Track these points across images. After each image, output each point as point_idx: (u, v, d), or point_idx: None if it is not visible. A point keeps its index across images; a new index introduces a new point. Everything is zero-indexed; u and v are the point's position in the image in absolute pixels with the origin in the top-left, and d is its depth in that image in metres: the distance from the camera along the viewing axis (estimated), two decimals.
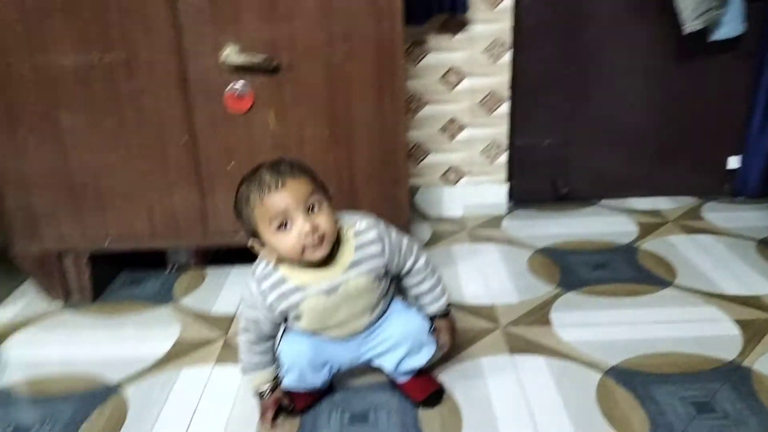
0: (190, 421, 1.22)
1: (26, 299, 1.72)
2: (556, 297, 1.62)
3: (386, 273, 1.17)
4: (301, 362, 1.17)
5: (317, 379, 1.20)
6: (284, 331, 1.21)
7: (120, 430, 1.20)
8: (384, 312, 1.21)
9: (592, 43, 2.10)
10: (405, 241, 1.20)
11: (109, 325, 1.59)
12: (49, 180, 1.56)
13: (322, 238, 1.07)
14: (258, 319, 1.15)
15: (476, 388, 1.27)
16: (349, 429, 1.18)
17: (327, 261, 1.11)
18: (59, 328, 1.58)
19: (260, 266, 1.15)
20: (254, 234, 1.11)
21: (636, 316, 1.52)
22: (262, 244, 1.11)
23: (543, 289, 1.66)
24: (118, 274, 1.84)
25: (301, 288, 1.11)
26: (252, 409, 1.24)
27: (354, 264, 1.12)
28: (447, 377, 1.30)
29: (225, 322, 1.56)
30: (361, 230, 1.15)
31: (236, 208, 1.12)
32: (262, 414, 1.21)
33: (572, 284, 1.68)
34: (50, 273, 1.67)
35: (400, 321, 1.20)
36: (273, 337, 1.19)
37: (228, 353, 1.43)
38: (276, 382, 1.21)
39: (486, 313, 1.56)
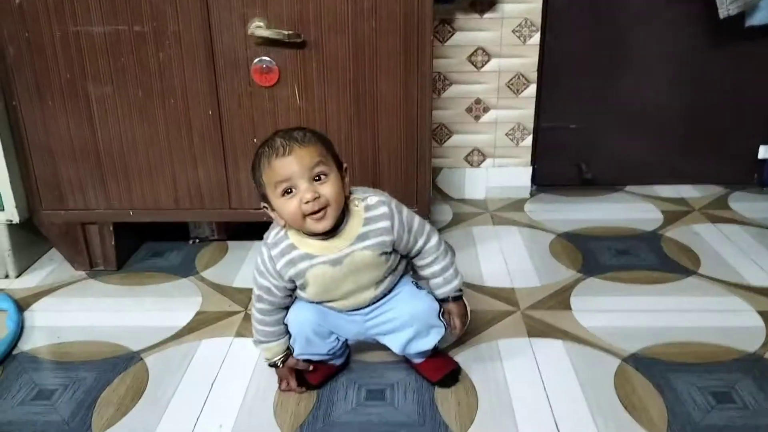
0: (209, 391, 1.24)
1: (51, 266, 1.75)
2: (577, 282, 1.61)
3: (394, 250, 1.15)
4: (306, 330, 1.17)
5: (323, 347, 1.20)
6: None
7: (140, 397, 1.22)
8: (391, 289, 1.20)
9: (624, 26, 2.07)
10: (416, 220, 1.18)
11: (132, 294, 1.61)
12: (75, 150, 1.57)
13: (324, 208, 1.06)
14: (269, 287, 1.15)
15: (493, 370, 1.27)
16: (366, 405, 1.19)
17: (334, 232, 1.10)
18: (83, 295, 1.61)
19: (273, 232, 1.15)
20: (265, 198, 1.12)
21: (657, 303, 1.50)
22: (273, 209, 1.11)
23: (564, 273, 1.65)
24: (141, 245, 1.86)
25: (308, 256, 1.11)
26: (270, 381, 1.25)
27: (361, 237, 1.11)
28: (464, 358, 1.31)
29: (245, 295, 1.57)
30: (371, 204, 1.13)
31: (252, 170, 1.13)
32: (281, 382, 1.24)
33: (594, 270, 1.67)
34: (75, 242, 1.70)
35: (408, 302, 1.18)
36: (286, 308, 1.19)
37: (248, 326, 1.43)
38: (289, 352, 1.22)
39: (506, 295, 1.55)
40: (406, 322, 1.17)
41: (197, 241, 1.88)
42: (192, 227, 1.89)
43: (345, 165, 1.12)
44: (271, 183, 1.07)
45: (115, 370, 1.30)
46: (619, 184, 2.26)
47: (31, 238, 1.73)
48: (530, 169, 2.19)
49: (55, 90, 1.52)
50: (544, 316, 1.46)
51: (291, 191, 1.06)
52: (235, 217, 1.67)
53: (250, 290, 1.57)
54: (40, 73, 1.51)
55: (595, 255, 1.75)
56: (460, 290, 1.23)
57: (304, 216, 1.06)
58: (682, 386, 1.21)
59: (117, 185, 1.61)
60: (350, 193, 1.13)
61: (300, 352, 1.20)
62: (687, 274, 1.63)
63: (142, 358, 1.34)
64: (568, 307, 1.49)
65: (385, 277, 1.17)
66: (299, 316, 1.18)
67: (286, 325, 1.20)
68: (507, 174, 2.18)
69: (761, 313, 1.44)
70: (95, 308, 1.54)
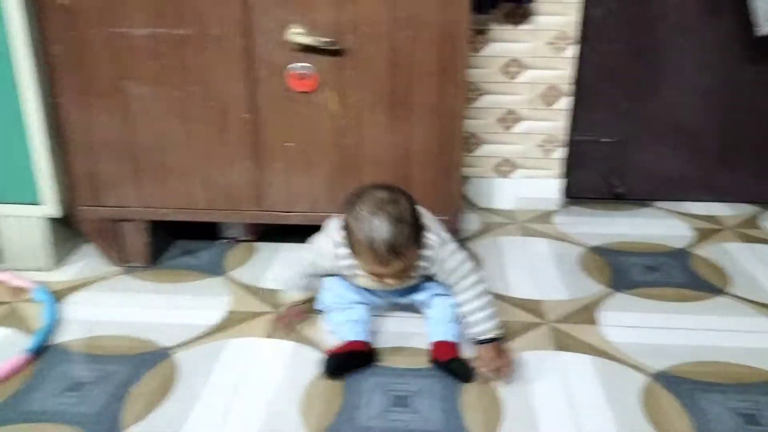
0: (236, 390, 1.26)
1: (87, 261, 1.79)
2: (605, 296, 1.60)
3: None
4: (339, 286, 1.38)
5: (355, 297, 1.37)
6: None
7: (169, 393, 1.25)
8: (425, 282, 1.38)
9: (660, 40, 2.05)
10: (460, 268, 1.31)
11: (164, 291, 1.64)
12: (114, 148, 1.61)
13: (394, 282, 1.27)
14: (318, 266, 1.38)
15: (519, 382, 1.28)
16: (391, 411, 1.20)
17: None
18: (116, 291, 1.64)
19: (342, 234, 1.27)
20: (349, 244, 1.25)
21: (686, 321, 1.49)
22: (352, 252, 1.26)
23: (593, 287, 1.65)
24: (172, 243, 1.89)
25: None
26: (298, 383, 1.27)
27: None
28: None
29: (274, 297, 1.59)
30: (427, 244, 1.28)
31: (346, 214, 1.25)
32: (285, 313, 1.45)
33: (623, 285, 1.66)
34: (110, 238, 1.73)
35: (438, 288, 1.38)
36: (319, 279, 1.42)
37: (277, 327, 1.46)
38: (306, 303, 1.45)
39: (532, 307, 1.55)
40: (436, 285, 1.37)
41: (227, 241, 1.91)
42: (222, 227, 1.91)
43: (424, 232, 1.26)
44: (362, 262, 1.24)
45: (146, 365, 1.33)
46: (650, 200, 2.25)
47: (68, 232, 1.77)
48: (560, 181, 2.18)
49: (97, 88, 1.56)
50: (572, 330, 1.45)
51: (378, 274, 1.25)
52: (266, 219, 1.69)
53: (279, 292, 1.60)
54: (84, 72, 1.54)
55: (624, 270, 1.74)
56: (493, 335, 1.31)
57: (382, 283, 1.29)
58: (709, 406, 1.20)
59: (153, 184, 1.64)
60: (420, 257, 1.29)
61: (332, 302, 1.40)
62: (717, 293, 1.62)
63: (172, 355, 1.36)
64: (595, 322, 1.49)
65: (422, 279, 1.37)
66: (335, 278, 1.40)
67: (308, 283, 1.43)
68: (537, 185, 2.18)
69: None
70: (128, 304, 1.58)
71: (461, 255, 1.32)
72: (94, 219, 1.70)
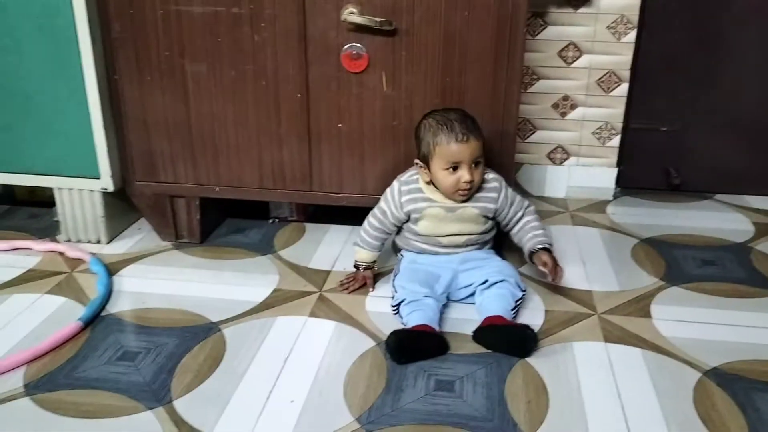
0: (283, 367, 1.27)
1: (140, 235, 1.83)
2: (659, 289, 1.55)
3: (494, 218, 1.50)
4: (411, 281, 1.43)
5: (425, 290, 1.38)
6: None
7: (218, 366, 1.27)
8: (483, 248, 1.54)
9: (724, 28, 1.97)
10: (518, 198, 1.53)
11: (214, 267, 1.67)
12: (169, 125, 1.64)
13: (470, 188, 1.41)
14: (386, 211, 1.49)
15: (566, 372, 1.25)
16: (435, 396, 1.19)
17: None
18: (168, 265, 1.68)
19: (407, 174, 1.50)
20: (424, 157, 1.42)
21: (743, 318, 1.44)
22: (423, 167, 1.43)
23: (646, 279, 1.60)
24: (223, 221, 1.92)
25: (431, 200, 1.45)
26: (342, 362, 1.27)
27: (474, 199, 1.46)
28: (536, 357, 1.29)
29: (321, 277, 1.60)
30: (488, 179, 1.48)
31: (418, 133, 1.45)
32: (348, 279, 1.54)
33: (677, 278, 1.61)
34: (163, 213, 1.77)
35: (498, 261, 1.50)
36: (387, 234, 1.53)
37: (322, 307, 1.47)
38: (371, 266, 1.54)
39: (583, 298, 1.52)
40: (493, 273, 1.43)
41: (277, 220, 1.93)
42: (272, 207, 1.93)
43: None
44: (441, 157, 1.39)
45: (195, 338, 1.36)
46: (709, 192, 2.17)
47: (122, 206, 1.82)
48: (615, 170, 2.12)
49: (153, 66, 1.59)
50: (623, 322, 1.42)
51: (454, 168, 1.39)
52: (316, 200, 1.70)
53: (326, 272, 1.62)
54: (141, 49, 1.57)
55: (679, 263, 1.68)
56: (551, 245, 1.49)
57: (456, 190, 1.40)
58: (765, 406, 1.16)
59: (205, 162, 1.67)
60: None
61: (408, 273, 1.45)
62: None
63: (220, 329, 1.39)
64: (648, 315, 1.45)
65: (480, 235, 1.50)
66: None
67: (382, 245, 1.54)
68: (590, 174, 2.13)
69: None
70: (179, 278, 1.61)
71: (517, 196, 1.53)
72: (148, 194, 1.74)
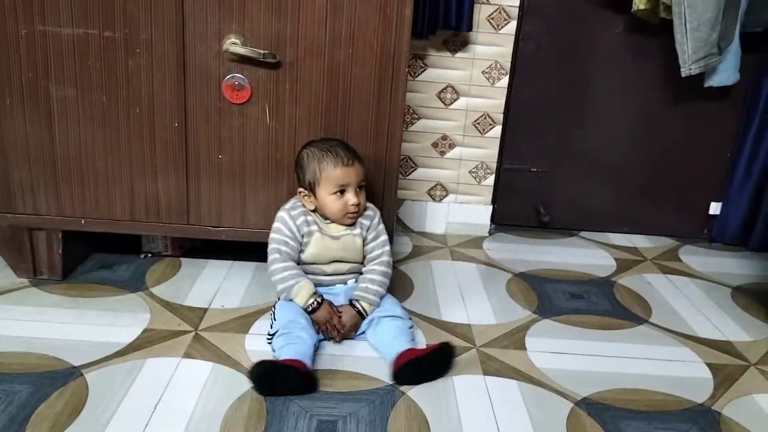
0: (152, 413, 1.18)
1: None
2: (532, 322, 1.61)
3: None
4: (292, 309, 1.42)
5: (304, 322, 1.38)
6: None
7: (78, 415, 1.16)
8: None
9: (590, 76, 2.13)
10: (383, 238, 1.53)
11: (76, 306, 1.54)
12: (30, 152, 1.51)
13: (358, 212, 1.46)
14: (287, 240, 1.45)
15: (447, 406, 1.26)
16: None
17: None
18: (23, 304, 1.53)
19: (290, 203, 1.49)
20: (309, 186, 1.44)
21: (610, 349, 1.52)
22: (308, 195, 1.46)
23: (520, 313, 1.66)
24: (89, 255, 1.79)
25: (319, 226, 1.47)
26: (217, 405, 1.20)
27: (353, 227, 1.49)
28: (418, 392, 1.29)
29: (196, 315, 1.52)
30: (367, 206, 1.51)
31: (300, 163, 1.46)
32: (325, 324, 1.42)
33: (549, 311, 1.68)
34: (20, 247, 1.62)
35: (385, 322, 1.45)
36: (297, 261, 1.47)
37: (197, 347, 1.39)
38: (319, 296, 1.44)
39: (462, 331, 1.54)
40: (380, 310, 1.46)
41: (149, 255, 1.82)
42: (145, 241, 1.83)
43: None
44: (330, 181, 1.42)
45: (53, 385, 1.23)
46: (575, 230, 2.31)
47: None
48: (490, 207, 2.21)
49: (14, 88, 1.47)
50: (500, 355, 1.45)
51: (341, 192, 1.42)
52: (193, 234, 1.62)
53: (202, 310, 1.54)
54: (0, 71, 1.45)
55: (550, 297, 1.76)
56: (363, 305, 1.45)
57: (345, 213, 1.44)
58: None
59: (71, 192, 1.55)
60: None
61: (283, 343, 1.34)
62: (639, 322, 1.66)
63: (82, 374, 1.27)
64: (523, 347, 1.49)
65: (363, 261, 1.52)
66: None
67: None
68: (468, 211, 2.20)
69: (709, 365, 1.47)
70: (35, 318, 1.47)
71: (385, 234, 1.54)
72: (3, 226, 1.59)
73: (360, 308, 1.45)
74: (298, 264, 1.47)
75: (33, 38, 1.43)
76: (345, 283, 1.52)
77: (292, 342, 1.32)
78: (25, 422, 1.13)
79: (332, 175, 1.42)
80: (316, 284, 1.47)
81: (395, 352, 1.34)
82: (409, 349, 1.34)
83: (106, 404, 1.19)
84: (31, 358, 1.32)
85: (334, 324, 1.42)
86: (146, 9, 1.41)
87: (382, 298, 1.49)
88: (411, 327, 1.48)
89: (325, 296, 1.46)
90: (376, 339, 1.42)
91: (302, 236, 1.46)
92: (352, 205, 1.43)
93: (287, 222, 1.46)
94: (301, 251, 1.47)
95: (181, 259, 1.82)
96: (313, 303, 1.42)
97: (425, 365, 1.32)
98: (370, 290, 1.47)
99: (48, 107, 1.48)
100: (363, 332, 1.46)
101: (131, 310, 1.53)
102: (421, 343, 1.47)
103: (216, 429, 1.15)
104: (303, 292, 1.42)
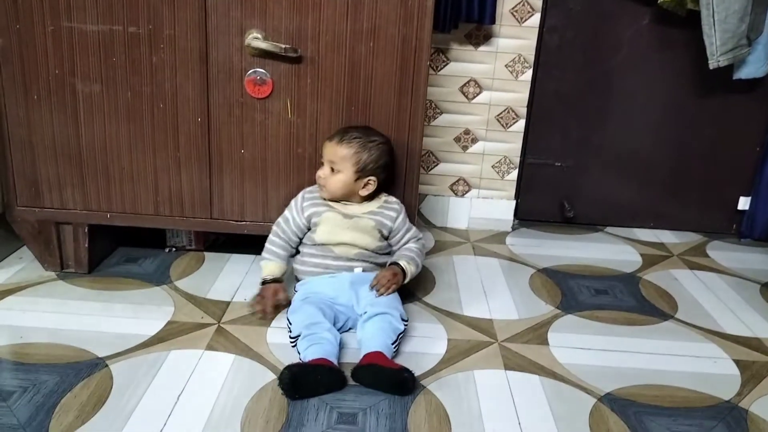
0: (175, 404, 1.19)
1: (20, 265, 1.70)
2: (555, 318, 1.60)
3: (388, 237, 1.54)
4: (309, 306, 1.41)
5: (322, 319, 1.37)
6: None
7: (102, 405, 1.18)
8: (372, 269, 1.52)
9: (614, 70, 2.10)
10: (414, 228, 1.58)
11: (102, 299, 1.56)
12: (57, 147, 1.54)
13: (323, 186, 1.49)
14: (289, 218, 1.52)
15: (468, 400, 1.25)
16: (336, 429, 1.15)
17: (359, 203, 1.52)
18: (50, 297, 1.56)
19: (313, 186, 1.55)
20: None
21: (634, 345, 1.50)
22: None
23: (543, 308, 1.64)
24: (115, 249, 1.82)
25: (329, 205, 1.50)
26: (239, 397, 1.21)
27: (371, 213, 1.51)
28: (439, 386, 1.28)
29: (219, 308, 1.54)
30: (390, 200, 1.55)
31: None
32: (258, 297, 1.50)
33: (572, 307, 1.66)
34: (47, 241, 1.65)
35: (378, 318, 1.39)
36: (291, 244, 1.53)
37: (220, 339, 1.41)
38: (280, 280, 1.52)
39: (484, 326, 1.53)
40: (375, 303, 1.43)
41: (174, 249, 1.85)
42: (169, 235, 1.85)
43: (370, 178, 1.49)
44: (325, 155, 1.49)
45: (79, 375, 1.26)
46: (600, 225, 2.28)
47: (2, 233, 1.68)
48: (514, 203, 2.19)
49: (41, 85, 1.49)
50: (522, 350, 1.44)
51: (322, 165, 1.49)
52: (216, 228, 1.64)
53: (225, 303, 1.56)
54: (28, 67, 1.48)
55: (573, 292, 1.74)
56: (406, 270, 1.50)
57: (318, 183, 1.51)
58: (656, 430, 1.20)
59: (96, 186, 1.58)
60: (379, 192, 1.54)
61: (305, 297, 1.44)
62: (664, 318, 1.63)
63: (107, 365, 1.29)
64: (545, 342, 1.48)
65: (372, 252, 1.52)
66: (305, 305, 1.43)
67: (287, 257, 1.54)
68: (490, 206, 2.18)
69: (736, 362, 1.45)
70: (62, 311, 1.50)
71: (414, 227, 1.59)
72: (31, 221, 1.62)
73: (402, 266, 1.49)
74: (312, 245, 1.52)
75: (59, 35, 1.45)
76: (351, 270, 1.50)
77: (317, 342, 1.31)
78: (51, 411, 1.15)
79: (323, 149, 1.49)
80: (323, 269, 1.50)
81: (366, 350, 1.31)
82: (378, 353, 1.30)
83: (129, 395, 1.21)
84: (58, 349, 1.34)
85: (267, 302, 1.48)
86: (170, 5, 1.43)
87: (418, 267, 1.54)
88: (404, 327, 1.40)
89: (330, 287, 1.47)
90: (361, 333, 1.38)
91: (309, 218, 1.50)
92: (317, 177, 1.49)
93: (297, 203, 1.53)
94: (313, 231, 1.50)
95: (205, 253, 1.84)
96: (270, 278, 1.51)
97: (379, 377, 1.26)
98: (405, 255, 1.53)
99: (74, 103, 1.50)
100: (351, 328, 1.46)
101: (155, 303, 1.55)
102: (441, 338, 1.47)
103: (237, 420, 1.16)
104: (271, 266, 1.52)
